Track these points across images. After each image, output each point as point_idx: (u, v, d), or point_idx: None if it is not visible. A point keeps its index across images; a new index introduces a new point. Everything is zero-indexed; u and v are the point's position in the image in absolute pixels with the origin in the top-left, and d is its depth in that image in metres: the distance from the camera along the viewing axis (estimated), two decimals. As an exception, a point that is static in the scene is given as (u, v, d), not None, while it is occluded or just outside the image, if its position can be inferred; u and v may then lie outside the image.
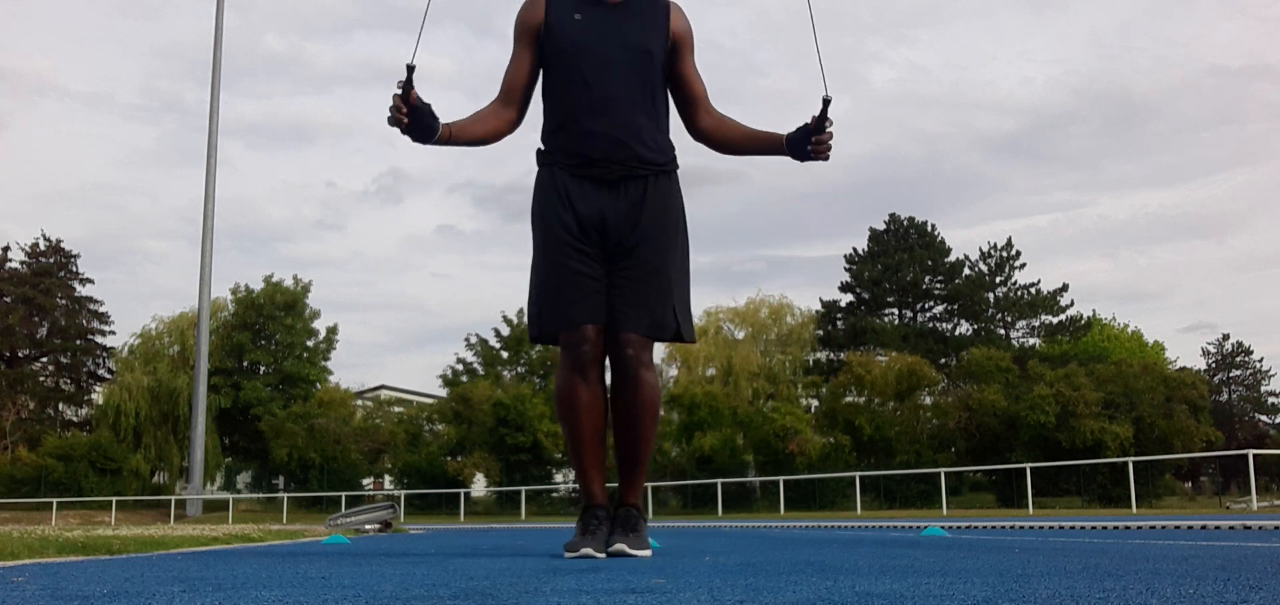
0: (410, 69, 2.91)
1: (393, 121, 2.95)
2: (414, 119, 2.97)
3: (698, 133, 3.34)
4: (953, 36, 73.25)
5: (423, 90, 2.98)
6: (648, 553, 3.09)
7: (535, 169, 3.30)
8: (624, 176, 3.13)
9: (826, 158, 3.17)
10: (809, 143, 3.12)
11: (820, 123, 3.08)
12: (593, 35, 3.14)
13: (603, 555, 3.02)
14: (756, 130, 3.30)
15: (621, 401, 3.18)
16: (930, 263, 44.85)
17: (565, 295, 3.12)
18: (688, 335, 3.23)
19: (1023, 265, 45.83)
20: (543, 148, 3.24)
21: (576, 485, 3.79)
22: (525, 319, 3.39)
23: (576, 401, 3.13)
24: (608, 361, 3.21)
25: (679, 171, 3.27)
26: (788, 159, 3.27)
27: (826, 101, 3.03)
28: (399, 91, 2.92)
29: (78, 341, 48.52)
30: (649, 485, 31.82)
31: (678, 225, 3.22)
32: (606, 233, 3.12)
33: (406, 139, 3.00)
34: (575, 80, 3.13)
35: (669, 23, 3.24)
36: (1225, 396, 52.73)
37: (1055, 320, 45.23)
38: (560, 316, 3.13)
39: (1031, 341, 44.68)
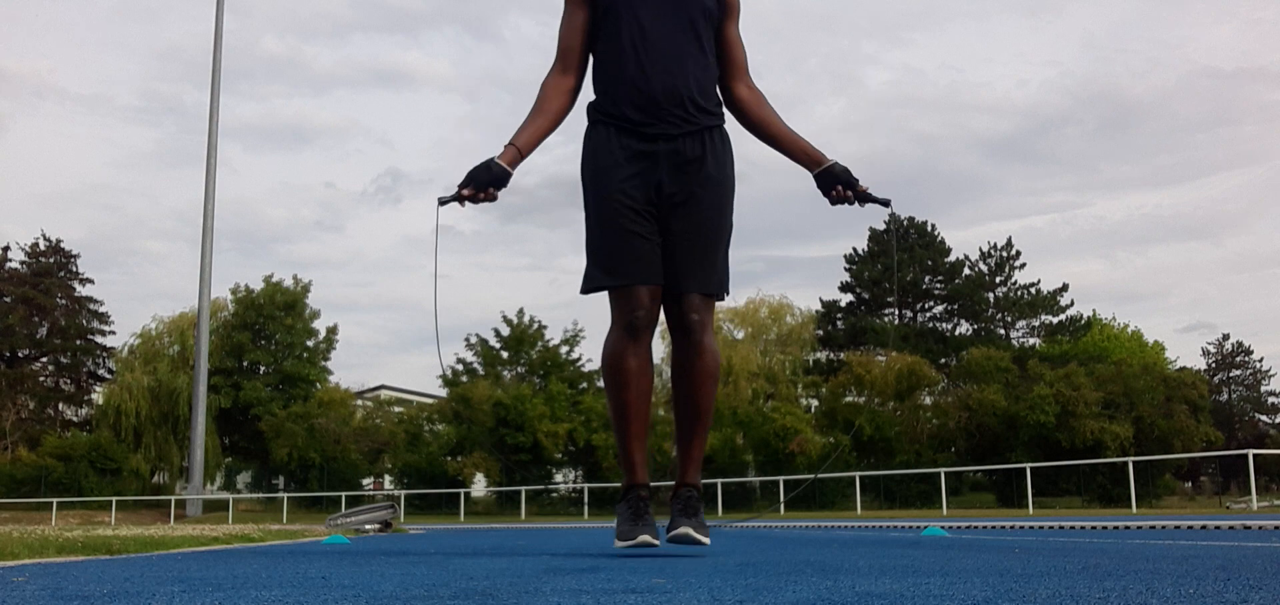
0: (441, 201, 2.95)
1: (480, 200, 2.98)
2: (487, 187, 2.96)
3: (733, 100, 3.26)
4: (948, 39, 73.38)
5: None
6: (708, 540, 3.00)
7: (582, 128, 3.19)
8: (681, 132, 3.05)
9: (832, 204, 3.21)
10: (836, 190, 3.14)
11: (862, 199, 3.17)
12: None
13: (658, 543, 2.95)
14: (797, 134, 3.23)
15: (685, 369, 3.07)
16: (930, 263, 44.84)
17: (619, 255, 3.00)
18: (726, 291, 3.17)
19: (1022, 265, 45.84)
20: (595, 104, 3.16)
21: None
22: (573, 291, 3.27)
23: (626, 368, 3.01)
24: (656, 328, 3.10)
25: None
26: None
27: (887, 202, 3.20)
28: (465, 202, 2.96)
29: (78, 341, 48.48)
30: (651, 485, 31.76)
31: (732, 181, 3.16)
32: (661, 189, 3.03)
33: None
34: (630, 35, 3.06)
35: None
36: (1225, 396, 52.74)
37: (1055, 320, 45.21)
38: (614, 276, 3.01)
39: (1031, 341, 44.66)
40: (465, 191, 2.93)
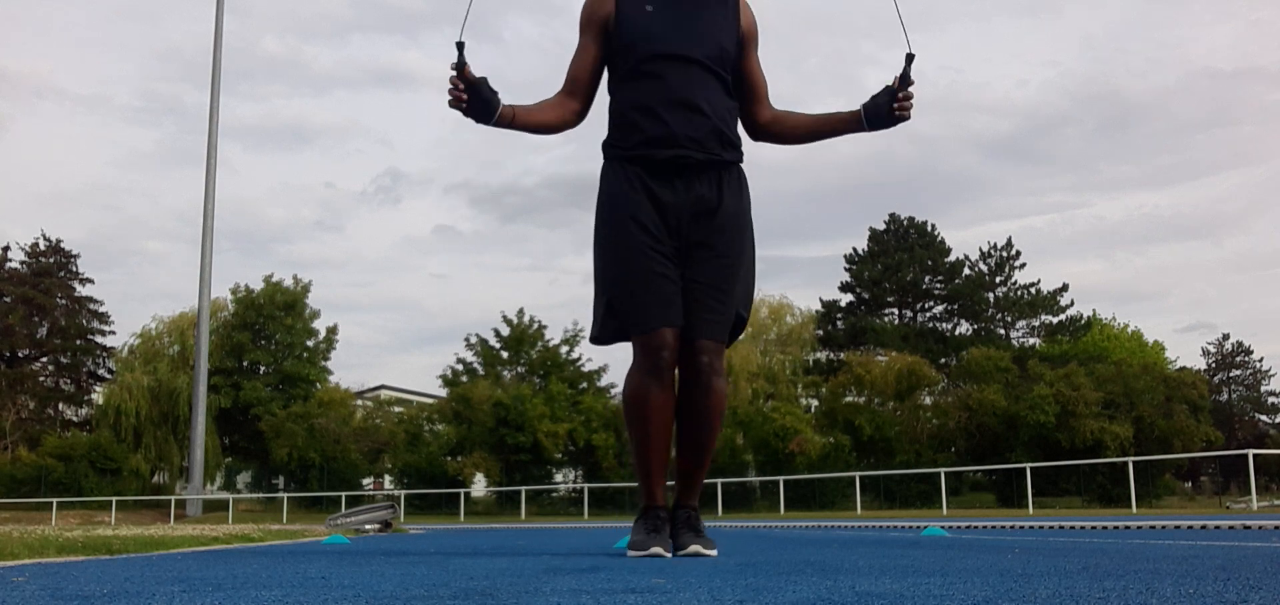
0: (460, 46, 2.88)
1: (452, 103, 2.92)
2: (472, 96, 2.93)
3: (758, 126, 3.26)
4: (947, 39, 73.33)
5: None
6: (715, 552, 3.05)
7: (587, 165, 3.20)
8: (700, 170, 3.05)
9: (909, 116, 3.17)
10: (892, 104, 3.12)
11: (904, 80, 3.11)
12: (666, 27, 3.08)
13: (670, 554, 2.98)
14: (821, 114, 3.26)
15: (692, 407, 3.11)
16: (930, 262, 44.83)
17: (643, 297, 3.01)
18: (746, 316, 3.19)
19: (1023, 265, 45.85)
20: (611, 141, 3.16)
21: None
22: (588, 324, 3.20)
23: (650, 407, 3.04)
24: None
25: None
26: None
27: (910, 58, 3.09)
28: (454, 71, 2.89)
29: (78, 341, 48.47)
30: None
31: (749, 222, 3.18)
32: (681, 229, 3.05)
33: (468, 120, 2.93)
34: (648, 73, 3.06)
35: (739, 17, 3.20)
36: (1225, 396, 52.73)
37: (1055, 320, 45.21)
38: (638, 319, 3.02)
39: (1031, 341, 44.67)
40: (467, 69, 2.89)
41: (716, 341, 3.07)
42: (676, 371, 3.12)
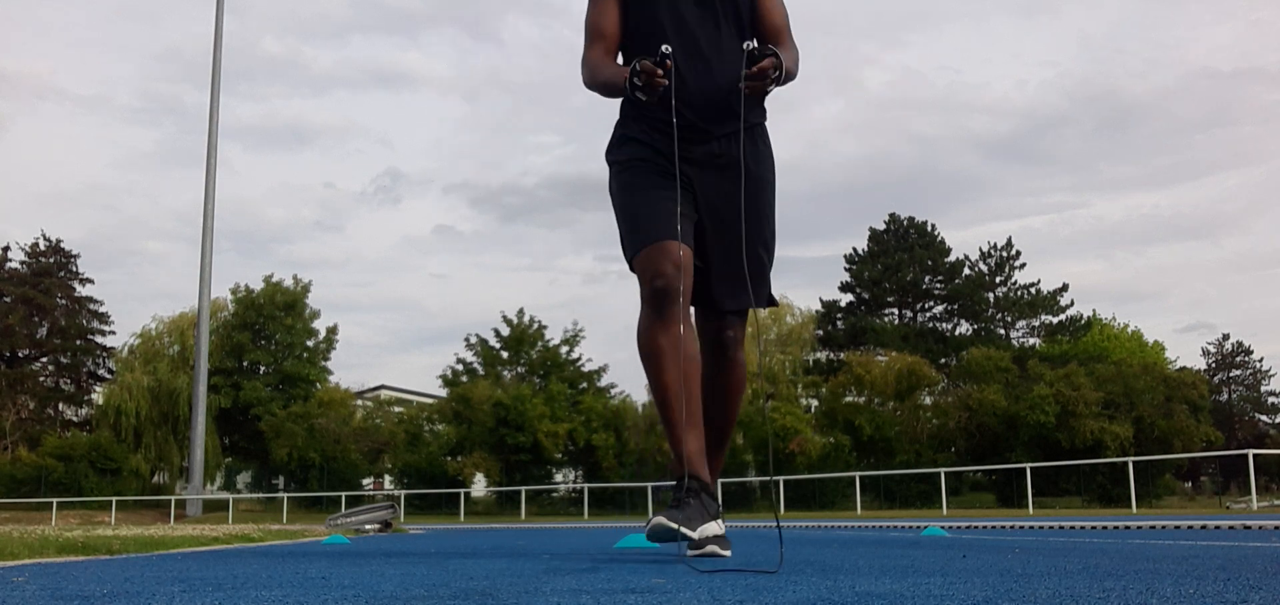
0: (666, 55, 2.73)
1: (649, 91, 2.73)
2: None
3: None
4: (945, 40, 73.40)
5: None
6: (730, 553, 2.87)
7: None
8: (720, 134, 2.93)
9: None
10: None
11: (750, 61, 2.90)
12: None
13: (694, 539, 2.74)
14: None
15: (714, 383, 2.98)
16: (930, 263, 44.84)
17: (641, 216, 2.82)
18: (771, 299, 3.02)
19: (1022, 265, 45.86)
20: (627, 97, 2.95)
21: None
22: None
23: (657, 349, 2.78)
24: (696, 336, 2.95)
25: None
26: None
27: (749, 54, 2.83)
28: (659, 70, 2.70)
29: (78, 341, 48.47)
30: (650, 486, 31.82)
31: (773, 184, 3.03)
32: (705, 186, 2.91)
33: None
34: (665, 25, 2.94)
35: None
36: (1225, 396, 52.74)
37: (1055, 320, 45.22)
38: (634, 243, 2.82)
39: (1031, 341, 44.68)
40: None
41: (740, 315, 2.96)
42: (694, 326, 2.95)
